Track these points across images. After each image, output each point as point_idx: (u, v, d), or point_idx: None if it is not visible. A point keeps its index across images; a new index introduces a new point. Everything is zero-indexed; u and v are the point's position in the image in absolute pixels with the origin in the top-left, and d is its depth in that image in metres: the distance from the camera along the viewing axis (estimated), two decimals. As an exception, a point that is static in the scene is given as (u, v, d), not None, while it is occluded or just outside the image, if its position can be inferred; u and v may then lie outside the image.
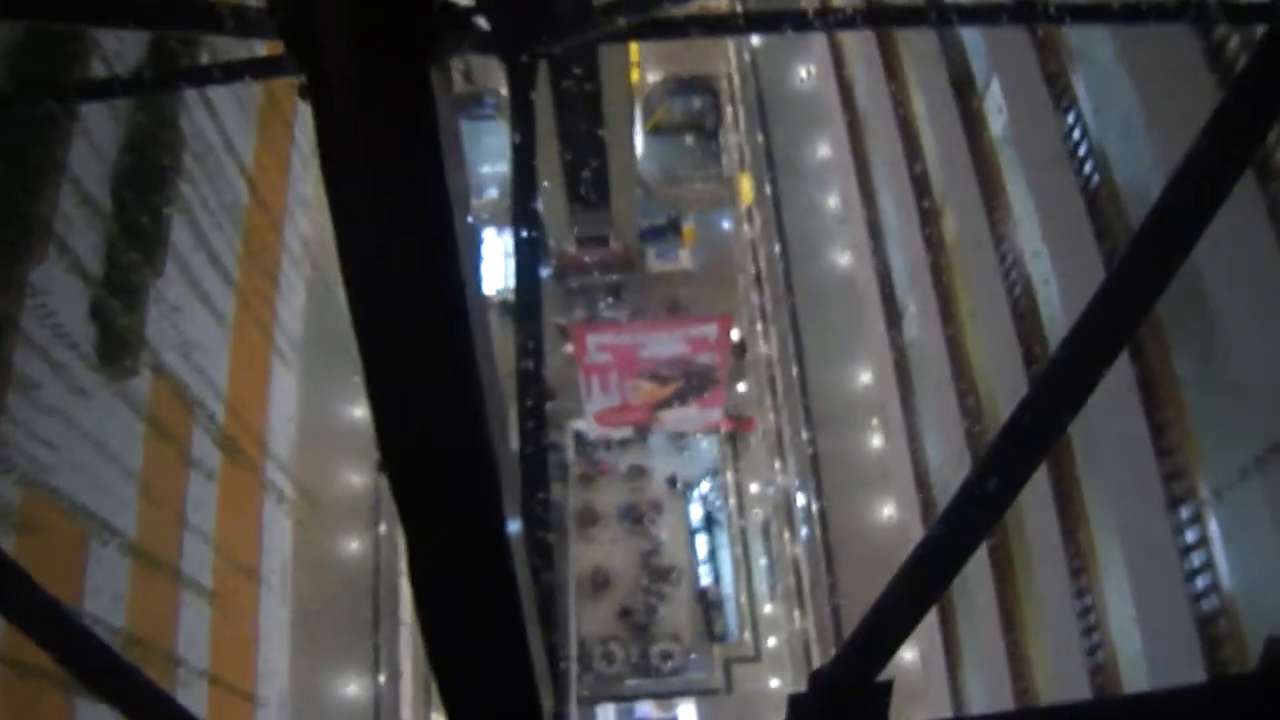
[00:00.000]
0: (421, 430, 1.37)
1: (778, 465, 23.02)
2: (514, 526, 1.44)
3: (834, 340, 18.16)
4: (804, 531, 19.94)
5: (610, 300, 29.40)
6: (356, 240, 1.34)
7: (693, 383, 24.50)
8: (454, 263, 1.33)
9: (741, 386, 28.43)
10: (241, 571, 13.33)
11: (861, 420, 17.59)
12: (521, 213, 3.65)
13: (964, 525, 1.71)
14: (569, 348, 24.67)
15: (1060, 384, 1.68)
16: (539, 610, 1.60)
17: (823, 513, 17.76)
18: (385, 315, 1.34)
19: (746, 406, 28.48)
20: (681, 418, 26.55)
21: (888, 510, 16.70)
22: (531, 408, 3.56)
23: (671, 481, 30.18)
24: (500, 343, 1.69)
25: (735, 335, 25.52)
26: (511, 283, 3.70)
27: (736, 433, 29.25)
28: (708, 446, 30.93)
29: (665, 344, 23.01)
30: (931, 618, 11.15)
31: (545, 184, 25.74)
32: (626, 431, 28.19)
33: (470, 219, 1.49)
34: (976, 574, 10.25)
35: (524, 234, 3.64)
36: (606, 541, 29.22)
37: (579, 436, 29.39)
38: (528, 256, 3.65)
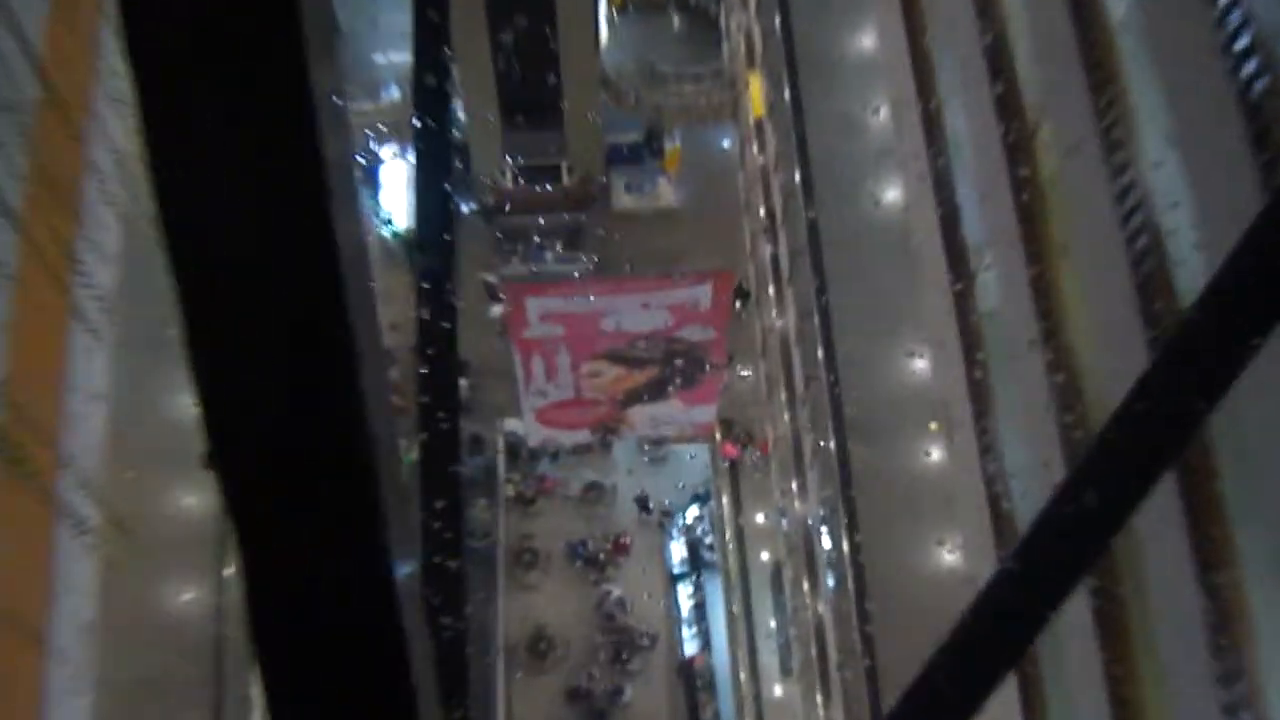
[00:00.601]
0: (268, 413, 1.37)
1: (794, 486, 23.23)
2: (402, 555, 1.44)
3: (876, 311, 18.24)
4: (830, 581, 20.18)
5: (561, 250, 29.63)
6: (176, 153, 1.32)
7: (676, 368, 24.84)
8: (320, 186, 1.33)
9: (745, 372, 28.95)
10: (18, 635, 13.04)
11: (913, 423, 17.74)
12: (427, 114, 3.72)
13: (1050, 560, 1.72)
14: (499, 313, 25.05)
15: (1195, 356, 1.60)
16: (441, 682, 1.63)
17: (857, 554, 17.99)
18: (218, 256, 1.33)
19: (746, 406, 28.91)
20: (660, 417, 26.91)
21: (949, 551, 16.92)
22: (434, 382, 3.63)
23: (644, 507, 30.52)
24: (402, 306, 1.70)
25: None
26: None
27: (737, 456, 29.89)
28: (696, 459, 31.24)
29: (638, 313, 23.21)
30: (1009, 691, 11.40)
31: (468, 82, 25.80)
32: (582, 436, 28.45)
33: (345, 109, 1.50)
34: (1072, 632, 10.32)
35: (431, 143, 3.72)
36: (551, 592, 29.42)
37: (513, 443, 29.74)
38: (434, 173, 3.74)
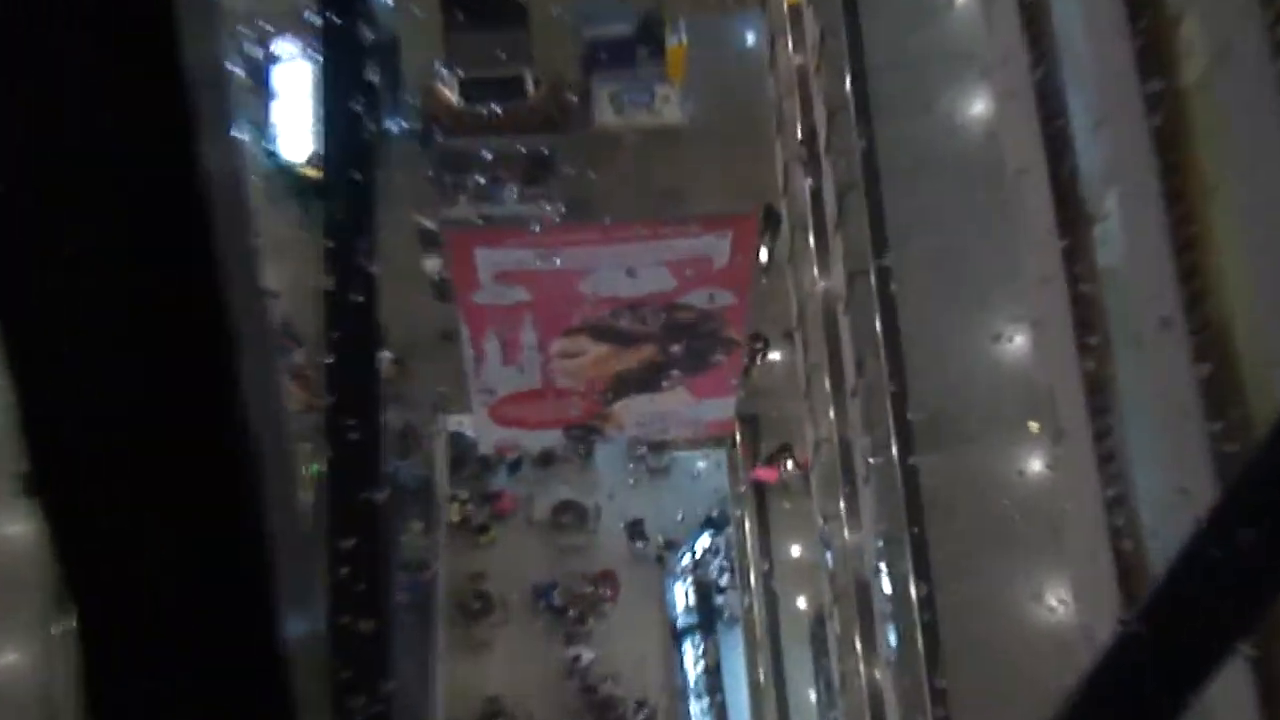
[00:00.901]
0: (107, 419, 1.39)
1: (842, 509, 23.35)
2: (295, 614, 1.47)
3: (954, 272, 18.34)
4: (891, 639, 20.28)
5: (525, 186, 29.67)
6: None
7: (682, 345, 24.93)
8: (180, 100, 1.36)
9: (774, 354, 29.10)
10: None
11: (1004, 427, 17.81)
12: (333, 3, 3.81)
13: (1192, 620, 1.76)
14: (438, 267, 25.49)
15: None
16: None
17: (927, 604, 18.10)
18: (45, 205, 1.38)
19: (777, 395, 28.92)
20: (659, 413, 27.06)
21: (1051, 604, 16.83)
22: (344, 376, 3.67)
23: (636, 535, 30.71)
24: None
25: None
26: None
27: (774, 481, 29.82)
28: (708, 470, 31.40)
29: (630, 271, 23.23)
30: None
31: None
32: (553, 439, 28.51)
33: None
34: (1229, 708, 10.19)
35: (338, 46, 3.80)
36: (509, 652, 29.46)
37: (460, 448, 29.95)
38: (342, 88, 3.81)
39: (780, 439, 29.51)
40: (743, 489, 30.45)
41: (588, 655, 29.77)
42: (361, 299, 3.86)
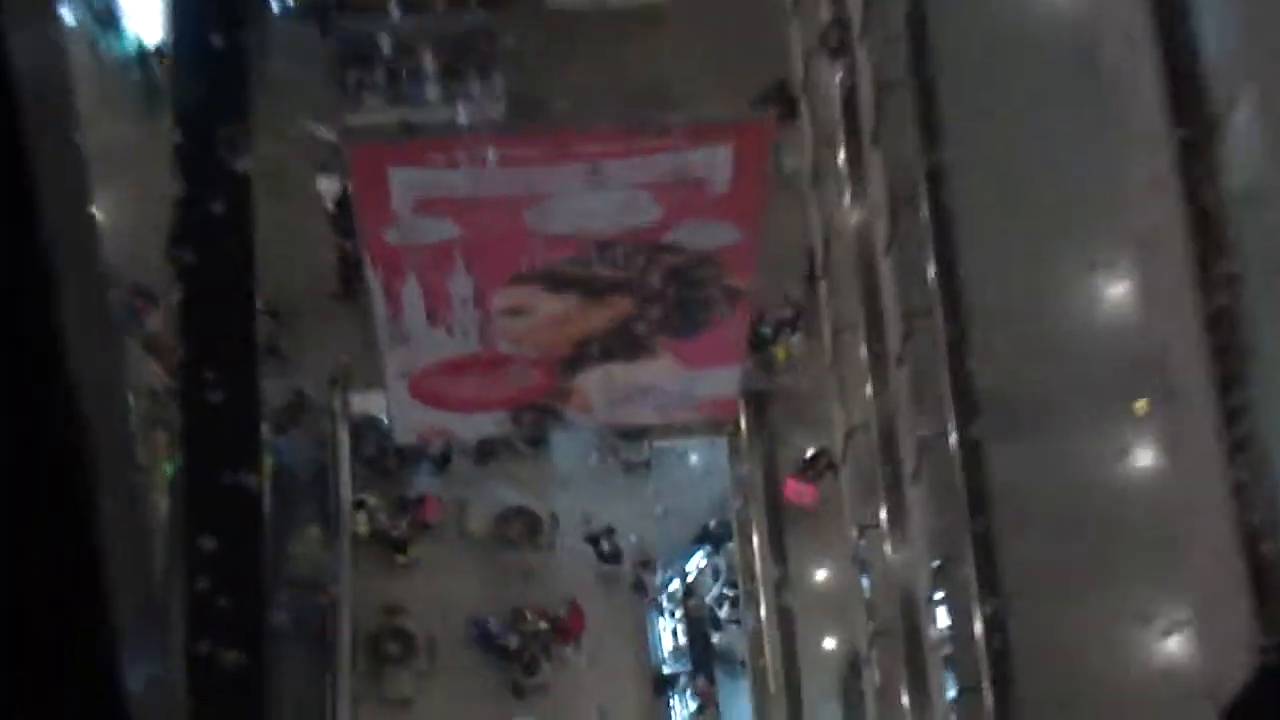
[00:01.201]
0: None
1: (882, 516, 23.38)
2: (138, 654, 1.68)
3: (1031, 189, 18.35)
4: (949, 688, 20.48)
5: (453, 83, 29.92)
6: None
7: (669, 298, 24.76)
8: None
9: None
10: None
11: (1101, 400, 17.94)
12: None
13: None
14: (337, 192, 25.66)
15: None
16: None
17: (998, 637, 18.15)
18: None
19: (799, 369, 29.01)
20: (640, 389, 26.78)
21: (1165, 631, 16.79)
22: (204, 309, 3.65)
23: (605, 552, 30.69)
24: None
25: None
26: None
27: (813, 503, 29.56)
28: (703, 464, 31.59)
29: (598, 196, 23.02)
30: None
31: None
32: (495, 424, 28.36)
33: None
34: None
35: None
36: (436, 710, 29.40)
37: (368, 437, 29.95)
38: None
39: (808, 431, 29.39)
40: (748, 480, 30.34)
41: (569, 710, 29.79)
42: (222, 209, 3.77)
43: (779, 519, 29.68)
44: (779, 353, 29.93)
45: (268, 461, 21.70)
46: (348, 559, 29.10)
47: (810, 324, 29.29)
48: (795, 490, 29.13)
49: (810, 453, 29.39)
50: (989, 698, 18.22)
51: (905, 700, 22.78)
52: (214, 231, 3.79)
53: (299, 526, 27.87)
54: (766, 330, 29.93)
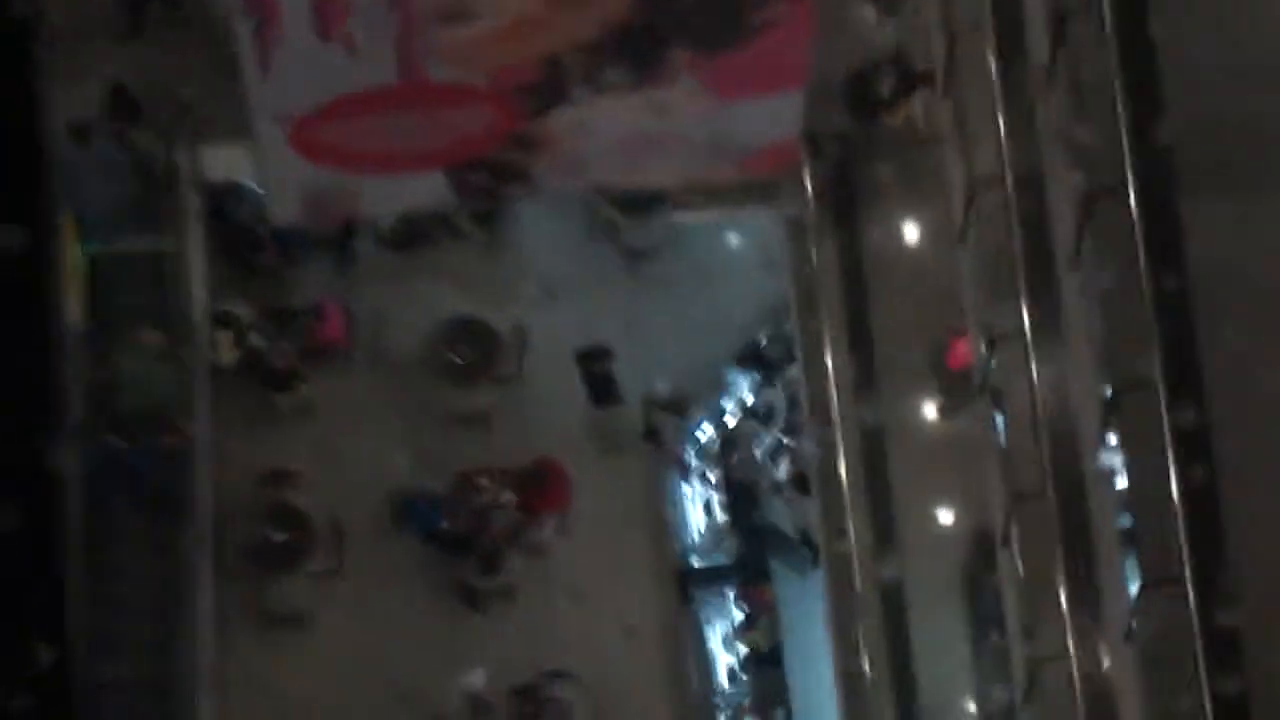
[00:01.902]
0: None
1: (1024, 318, 20.30)
2: None
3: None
4: (1130, 581, 18.38)
5: None
6: None
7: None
8: None
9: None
10: None
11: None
12: None
13: None
14: None
15: None
16: None
17: (1209, 500, 15.59)
18: None
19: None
20: (646, 134, 22.17)
21: None
22: None
23: (601, 386, 26.82)
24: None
25: None
26: None
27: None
28: (747, 249, 28.01)
29: None
30: None
31: None
32: (425, 188, 23.86)
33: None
34: None
35: None
36: (346, 632, 26.42)
37: (234, 218, 25.79)
38: None
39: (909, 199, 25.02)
40: (811, 300, 25.36)
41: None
42: None
43: (864, 328, 25.22)
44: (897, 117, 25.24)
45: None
46: (204, 405, 24.60)
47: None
48: (961, 352, 23.88)
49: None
50: (1191, 596, 15.08)
51: (1063, 599, 19.22)
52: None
53: (120, 329, 23.70)
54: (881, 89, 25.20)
